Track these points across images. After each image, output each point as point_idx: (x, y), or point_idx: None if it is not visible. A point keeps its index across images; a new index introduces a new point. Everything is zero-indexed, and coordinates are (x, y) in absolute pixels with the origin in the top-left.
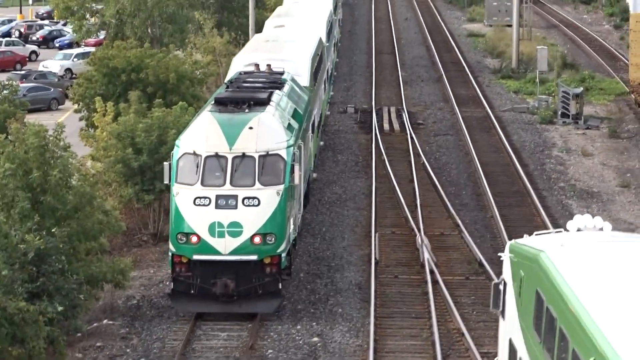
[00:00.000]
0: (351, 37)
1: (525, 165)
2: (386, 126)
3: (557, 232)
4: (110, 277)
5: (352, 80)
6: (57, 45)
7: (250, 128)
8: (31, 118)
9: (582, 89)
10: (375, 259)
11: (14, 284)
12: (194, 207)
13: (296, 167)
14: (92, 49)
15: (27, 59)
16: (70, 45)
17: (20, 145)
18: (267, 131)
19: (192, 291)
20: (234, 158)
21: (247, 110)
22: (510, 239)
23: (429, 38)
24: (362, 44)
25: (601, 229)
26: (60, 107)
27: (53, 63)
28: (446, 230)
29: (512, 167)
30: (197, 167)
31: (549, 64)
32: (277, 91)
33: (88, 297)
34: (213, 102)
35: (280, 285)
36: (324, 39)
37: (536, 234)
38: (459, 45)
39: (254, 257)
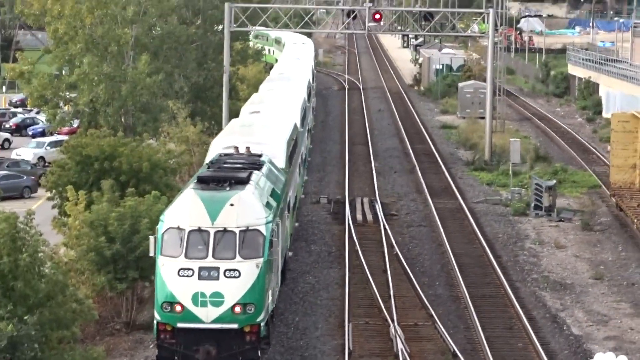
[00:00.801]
0: (324, 127)
1: (499, 257)
2: (359, 217)
3: None
4: None
5: (325, 170)
6: (30, 133)
7: (232, 205)
8: (4, 206)
9: (554, 181)
10: (348, 349)
11: None
12: (178, 278)
13: (274, 242)
14: (65, 137)
15: (0, 146)
16: (43, 133)
17: None
18: (247, 208)
19: (176, 357)
20: (216, 232)
21: (228, 188)
22: (483, 329)
23: (402, 129)
24: (335, 134)
25: None
26: (33, 195)
27: (26, 151)
28: (420, 321)
29: (486, 258)
30: (181, 240)
31: (521, 156)
32: (256, 171)
33: None
34: (196, 180)
35: (259, 353)
36: (298, 125)
37: None
38: (432, 136)
39: (234, 326)
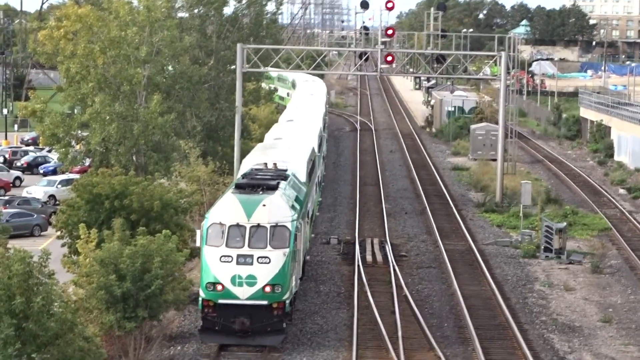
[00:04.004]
0: (336, 168)
1: (508, 299)
2: (369, 258)
3: None
4: None
5: (336, 211)
6: (41, 171)
7: (264, 205)
8: (13, 244)
9: (565, 224)
10: None
11: None
12: (219, 263)
13: (298, 236)
14: (77, 176)
15: (11, 184)
16: (54, 172)
17: (4, 271)
18: (276, 208)
19: (217, 327)
20: (251, 227)
21: (260, 193)
22: None
23: (414, 171)
24: (346, 175)
25: None
26: (43, 233)
27: (37, 189)
28: None
29: (495, 300)
30: (223, 233)
31: (532, 198)
32: (282, 181)
33: None
34: (234, 187)
35: (284, 325)
36: (316, 149)
37: None
38: (443, 178)
39: (265, 302)
